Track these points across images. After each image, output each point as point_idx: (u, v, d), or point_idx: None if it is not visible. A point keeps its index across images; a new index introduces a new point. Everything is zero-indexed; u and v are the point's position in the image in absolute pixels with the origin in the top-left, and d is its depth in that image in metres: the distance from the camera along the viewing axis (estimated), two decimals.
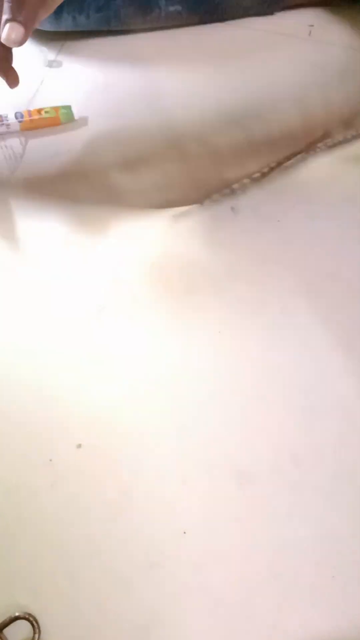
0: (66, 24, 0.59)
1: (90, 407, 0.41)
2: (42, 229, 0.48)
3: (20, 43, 0.41)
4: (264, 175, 0.48)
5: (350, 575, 0.35)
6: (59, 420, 0.40)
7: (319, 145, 0.49)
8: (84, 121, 0.56)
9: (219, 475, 0.38)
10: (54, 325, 0.44)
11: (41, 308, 0.45)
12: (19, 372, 0.42)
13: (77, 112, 0.56)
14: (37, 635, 0.32)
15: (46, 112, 0.55)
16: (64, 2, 0.51)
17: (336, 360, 0.43)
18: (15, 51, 0.54)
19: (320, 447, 0.39)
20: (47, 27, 0.59)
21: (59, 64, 0.60)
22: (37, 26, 0.42)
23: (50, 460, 0.38)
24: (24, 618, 0.33)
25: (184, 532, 0.36)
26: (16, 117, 0.54)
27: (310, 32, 0.63)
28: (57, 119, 0.55)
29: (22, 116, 0.54)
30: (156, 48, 0.61)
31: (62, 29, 0.59)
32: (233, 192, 0.48)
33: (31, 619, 0.33)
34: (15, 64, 0.51)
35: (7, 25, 0.40)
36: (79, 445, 0.39)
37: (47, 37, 0.60)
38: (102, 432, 0.40)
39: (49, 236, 0.48)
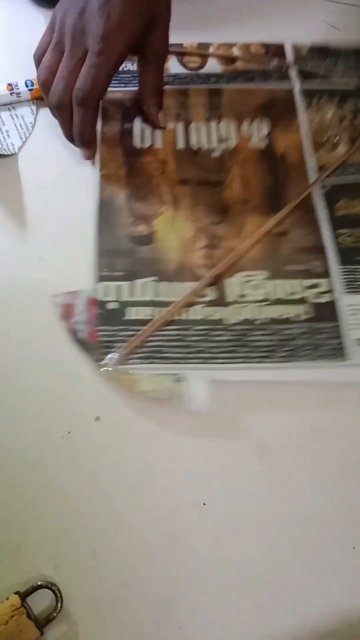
0: None
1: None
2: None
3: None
4: None
5: None
6: (77, 393, 0.40)
7: None
8: None
9: (240, 448, 0.38)
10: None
11: (56, 283, 0.43)
12: (35, 346, 0.41)
13: None
14: (59, 605, 0.33)
15: None
16: None
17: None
18: (23, 18, 0.55)
19: (341, 420, 0.39)
20: None
21: None
22: None
23: (69, 432, 0.38)
24: (47, 587, 0.33)
25: (204, 504, 0.36)
26: (26, 85, 0.52)
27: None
28: None
29: (32, 84, 0.52)
30: None
31: None
32: None
33: (54, 588, 0.33)
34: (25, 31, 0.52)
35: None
36: (97, 418, 0.39)
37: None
38: (120, 404, 0.39)
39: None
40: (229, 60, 0.57)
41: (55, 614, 0.33)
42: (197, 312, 0.43)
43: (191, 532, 0.36)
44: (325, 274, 0.44)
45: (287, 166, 0.49)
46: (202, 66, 0.56)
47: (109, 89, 0.47)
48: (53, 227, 0.47)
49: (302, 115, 0.53)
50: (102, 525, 0.36)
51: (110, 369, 0.40)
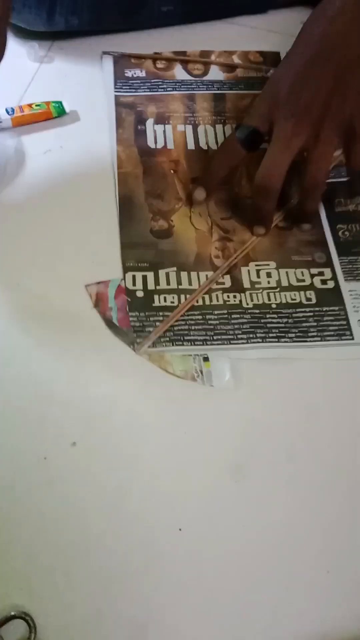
0: (59, 25, 0.58)
1: (84, 404, 0.41)
2: None
3: None
4: None
5: (345, 569, 0.37)
6: (53, 418, 0.40)
7: None
8: (75, 115, 0.57)
9: (215, 471, 0.39)
10: (47, 321, 0.45)
11: (35, 304, 0.45)
12: (12, 369, 0.42)
13: (68, 108, 0.56)
14: (33, 635, 0.32)
15: (37, 105, 0.55)
16: (56, 3, 0.50)
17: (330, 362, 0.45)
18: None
19: (316, 442, 0.41)
20: (40, 27, 0.59)
21: (51, 60, 0.60)
22: None
23: (45, 458, 0.38)
24: (20, 617, 0.33)
25: (180, 529, 0.37)
26: (7, 112, 0.54)
27: None
28: (49, 112, 0.55)
29: (13, 111, 0.54)
30: (147, 47, 0.62)
31: (55, 29, 0.59)
32: None
33: (27, 618, 0.33)
34: (5, 60, 0.51)
35: None
36: (74, 443, 0.39)
37: (39, 34, 0.60)
38: (97, 429, 0.40)
39: None
40: (230, 67, 0.61)
41: None
42: (217, 298, 0.47)
43: (166, 557, 0.36)
44: (328, 263, 0.50)
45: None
46: (205, 73, 0.61)
47: (122, 94, 0.53)
48: (80, 222, 0.50)
49: None
50: (77, 550, 0.36)
51: (144, 351, 0.44)
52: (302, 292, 0.48)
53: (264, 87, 0.47)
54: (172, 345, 0.44)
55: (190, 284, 0.47)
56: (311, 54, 0.46)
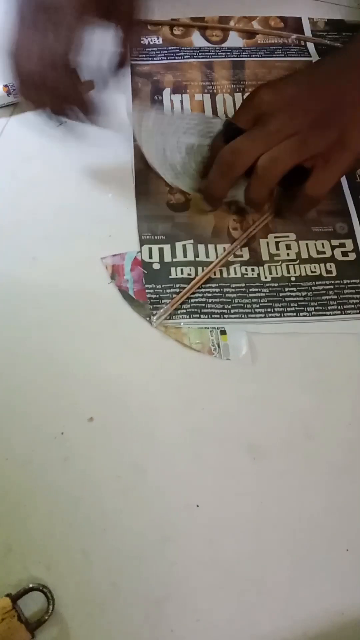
0: None
1: (101, 380, 0.41)
2: None
3: None
4: None
5: None
6: (70, 394, 0.40)
7: None
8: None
9: (232, 449, 0.39)
10: (63, 295, 0.44)
11: (51, 278, 0.45)
12: (29, 346, 0.42)
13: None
14: (51, 607, 0.33)
15: None
16: None
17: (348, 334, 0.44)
18: None
19: (334, 420, 0.40)
20: None
21: None
22: None
23: (62, 433, 0.38)
24: (38, 589, 0.33)
25: (197, 506, 0.37)
26: None
27: None
28: None
29: None
30: (164, 13, 0.60)
31: None
32: None
33: (45, 590, 0.33)
34: None
35: None
36: (91, 419, 0.39)
37: None
38: (114, 405, 0.40)
39: None
40: (250, 33, 0.59)
41: (46, 617, 0.32)
42: (235, 271, 0.46)
43: (183, 533, 0.36)
44: (350, 234, 0.48)
45: None
46: (224, 40, 0.59)
47: (138, 62, 0.51)
48: (96, 196, 0.50)
49: None
50: (93, 526, 0.36)
51: (160, 323, 0.43)
52: (322, 265, 0.47)
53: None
54: (189, 317, 0.44)
55: (207, 256, 0.46)
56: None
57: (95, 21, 0.40)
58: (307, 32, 0.60)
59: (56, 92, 0.40)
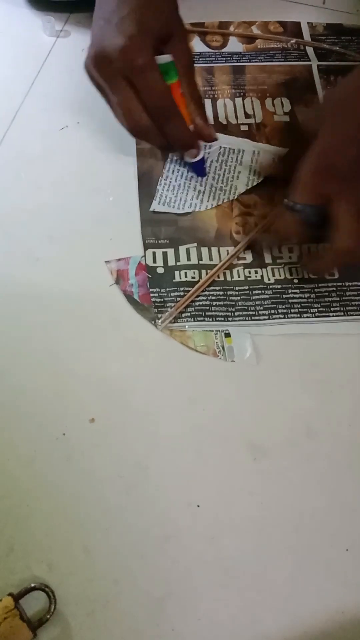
0: None
1: (103, 381, 0.41)
2: None
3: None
4: None
5: None
6: (72, 394, 0.40)
7: None
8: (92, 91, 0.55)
9: (234, 449, 0.39)
10: (66, 297, 0.45)
11: (54, 280, 0.45)
12: (32, 347, 0.42)
13: (87, 82, 0.54)
14: (52, 606, 0.33)
15: None
16: None
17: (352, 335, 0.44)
18: (20, 21, 0.53)
19: (335, 420, 0.40)
20: None
21: (67, 34, 0.59)
22: None
23: (64, 434, 0.39)
24: (40, 589, 0.33)
25: (198, 505, 0.37)
26: None
27: (324, 0, 0.63)
28: None
29: None
30: None
31: None
32: None
33: (47, 589, 0.33)
34: (21, 35, 0.49)
35: None
36: (92, 419, 0.39)
37: (55, 6, 0.59)
38: (116, 406, 0.40)
39: None
40: (250, 38, 0.60)
41: (48, 616, 0.32)
42: (239, 273, 0.47)
43: (184, 532, 0.36)
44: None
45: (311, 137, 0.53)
46: (224, 45, 0.60)
47: None
48: (99, 200, 0.50)
49: (321, 92, 0.56)
50: (95, 526, 0.36)
51: (165, 326, 0.44)
52: None
53: (310, 153, 0.42)
54: (194, 320, 0.44)
55: (211, 259, 0.47)
56: None
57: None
58: (307, 36, 0.60)
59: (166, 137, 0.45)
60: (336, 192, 0.40)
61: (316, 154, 0.41)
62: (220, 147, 0.52)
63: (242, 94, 0.56)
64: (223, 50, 0.59)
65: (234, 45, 0.59)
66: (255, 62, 0.58)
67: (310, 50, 0.59)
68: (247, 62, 0.58)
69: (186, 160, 0.49)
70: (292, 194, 0.41)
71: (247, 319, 0.44)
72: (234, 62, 0.58)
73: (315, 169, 0.41)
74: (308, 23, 0.61)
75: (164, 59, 0.42)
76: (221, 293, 0.45)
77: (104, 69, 0.42)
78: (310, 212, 0.41)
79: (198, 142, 0.47)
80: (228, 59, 0.58)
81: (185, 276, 0.46)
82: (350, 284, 0.45)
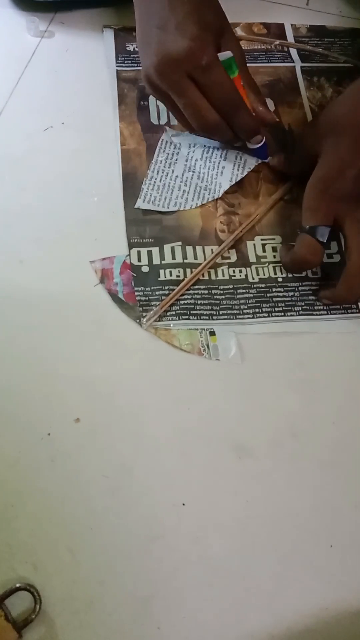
0: None
1: (88, 381, 0.41)
2: None
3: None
4: None
5: (349, 544, 0.37)
6: (57, 395, 0.40)
7: None
8: (76, 91, 0.56)
9: (219, 448, 0.39)
10: (50, 298, 0.45)
11: (38, 281, 0.45)
12: (16, 347, 0.42)
13: (72, 83, 0.55)
14: (38, 606, 0.33)
15: None
16: None
17: (335, 334, 0.45)
18: (4, 21, 0.53)
19: (319, 419, 0.41)
20: None
21: (51, 35, 0.59)
22: None
23: (49, 434, 0.38)
24: (25, 589, 0.33)
25: (183, 504, 0.37)
26: None
27: (307, 1, 0.63)
28: None
29: None
30: None
31: None
32: None
33: (32, 590, 0.33)
34: (5, 35, 0.49)
35: None
36: (77, 420, 0.39)
37: (39, 7, 0.59)
38: (101, 406, 0.40)
39: None
40: None
41: (33, 616, 0.32)
42: (223, 273, 0.47)
43: (170, 532, 0.36)
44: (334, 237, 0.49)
45: (294, 138, 0.53)
46: None
47: (124, 69, 0.52)
48: (83, 200, 0.50)
49: (305, 93, 0.57)
50: (81, 526, 0.36)
51: (150, 325, 0.44)
52: None
53: (313, 177, 0.44)
54: (178, 319, 0.44)
55: (195, 257, 0.47)
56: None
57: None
58: (290, 37, 0.61)
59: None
60: (343, 212, 0.43)
61: (319, 178, 0.44)
62: (204, 147, 0.52)
63: None
64: None
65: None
66: None
67: (293, 52, 0.60)
68: None
69: (251, 147, 0.50)
70: (303, 219, 0.44)
71: (231, 317, 0.44)
72: None
73: (320, 192, 0.43)
74: (292, 25, 0.62)
75: (226, 55, 0.44)
76: (206, 292, 0.45)
77: (170, 75, 0.43)
78: (320, 233, 0.43)
79: (261, 127, 0.48)
80: None
81: (170, 275, 0.46)
82: (333, 282, 0.45)
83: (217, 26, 0.44)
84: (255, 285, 0.46)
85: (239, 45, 0.47)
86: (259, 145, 0.49)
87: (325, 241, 0.43)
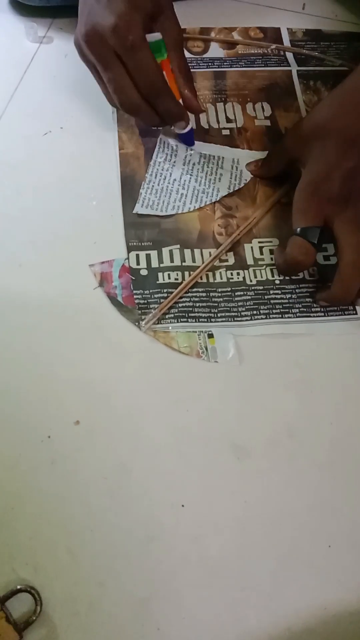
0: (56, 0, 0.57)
1: (87, 383, 0.41)
2: None
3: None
4: None
5: (347, 544, 0.37)
6: (57, 397, 0.40)
7: None
8: (74, 96, 0.56)
9: (217, 449, 0.39)
10: (49, 301, 0.45)
11: (37, 285, 0.45)
12: (15, 351, 0.42)
13: (70, 88, 0.56)
14: (38, 608, 0.33)
15: None
16: None
17: (332, 335, 0.45)
18: (3, 27, 0.53)
19: (316, 420, 0.41)
20: (37, 2, 0.58)
21: (50, 40, 0.59)
22: None
23: (49, 437, 0.39)
24: (26, 591, 0.34)
25: (183, 505, 0.37)
26: None
27: (303, 6, 0.63)
28: None
29: None
30: None
31: (52, 3, 0.58)
32: None
33: (33, 591, 0.34)
34: (4, 40, 0.49)
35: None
36: (77, 422, 0.39)
37: (37, 12, 0.60)
38: (100, 408, 0.40)
39: None
40: (230, 44, 0.61)
41: (34, 618, 0.33)
42: (221, 275, 0.47)
43: (169, 533, 0.36)
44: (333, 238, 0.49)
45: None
46: (205, 50, 0.61)
47: None
48: (81, 204, 0.50)
49: (301, 97, 0.57)
50: (80, 527, 0.36)
51: (149, 327, 0.44)
52: None
53: (301, 182, 0.45)
54: (177, 322, 0.44)
55: (193, 260, 0.47)
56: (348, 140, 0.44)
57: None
58: (286, 41, 0.61)
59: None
60: (332, 213, 0.43)
61: (307, 182, 0.44)
62: (201, 154, 0.52)
63: (223, 99, 0.57)
64: (204, 55, 0.60)
65: (215, 51, 0.60)
66: (236, 67, 0.59)
67: (290, 56, 0.60)
68: (228, 67, 0.59)
69: (176, 132, 0.50)
70: (293, 222, 0.44)
71: (229, 319, 0.45)
72: (215, 68, 0.59)
73: (308, 195, 0.44)
74: (288, 29, 0.62)
75: (154, 37, 0.44)
76: (204, 294, 0.46)
77: (96, 46, 0.43)
78: (311, 234, 0.43)
79: (187, 114, 0.49)
80: (209, 64, 0.59)
81: (169, 278, 0.46)
82: (330, 284, 0.46)
83: (150, 7, 0.44)
84: (253, 288, 0.46)
85: (176, 27, 0.46)
86: (185, 131, 0.50)
87: (316, 242, 0.43)
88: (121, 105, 0.46)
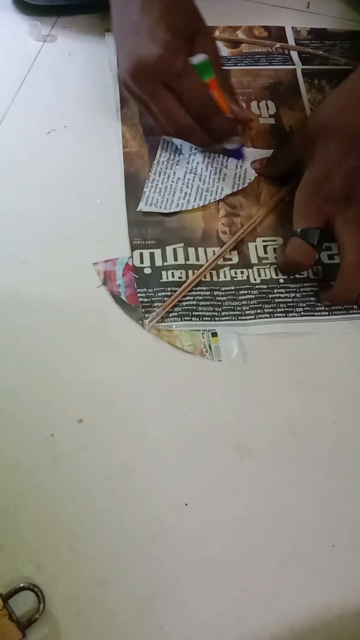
0: None
1: (90, 382, 0.41)
2: None
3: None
4: None
5: (350, 544, 0.37)
6: (60, 396, 0.40)
7: None
8: (79, 94, 0.56)
9: (220, 449, 0.39)
10: (52, 300, 0.45)
11: (40, 283, 0.45)
12: (19, 349, 0.42)
13: (74, 86, 0.56)
14: (41, 606, 0.33)
15: None
16: None
17: (336, 334, 0.45)
18: (7, 25, 0.53)
19: (319, 419, 0.41)
20: (41, 1, 0.58)
21: (54, 39, 0.59)
22: None
23: (52, 435, 0.39)
24: (29, 589, 0.34)
25: (186, 504, 0.37)
26: None
27: (308, 4, 0.63)
28: None
29: None
30: None
31: (57, 2, 0.58)
32: None
33: (36, 589, 0.34)
34: (7, 39, 0.49)
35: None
36: (80, 420, 0.39)
37: (41, 11, 0.60)
38: (103, 407, 0.40)
39: None
40: (235, 43, 0.61)
41: (37, 616, 0.33)
42: (225, 274, 0.47)
43: (171, 532, 0.36)
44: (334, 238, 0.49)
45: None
46: None
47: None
48: (85, 202, 0.50)
49: (305, 95, 0.57)
50: (83, 526, 0.36)
51: (152, 326, 0.44)
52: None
53: (303, 181, 0.45)
54: (181, 320, 0.44)
55: (197, 259, 0.47)
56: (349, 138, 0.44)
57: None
58: (291, 40, 0.61)
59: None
60: (333, 212, 0.43)
61: (308, 181, 0.44)
62: (205, 153, 0.52)
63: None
64: None
65: (220, 49, 0.60)
66: (241, 66, 0.59)
67: (294, 54, 0.60)
68: (233, 65, 0.59)
69: (228, 148, 0.50)
70: (293, 222, 0.44)
71: (233, 318, 0.45)
72: None
73: (309, 195, 0.44)
74: (292, 27, 0.62)
75: (199, 59, 0.44)
76: (208, 293, 0.46)
77: (144, 81, 0.43)
78: (310, 235, 0.43)
79: (239, 129, 0.49)
80: None
81: (172, 276, 0.46)
82: (333, 283, 0.46)
83: (189, 30, 0.44)
84: (257, 287, 0.46)
85: (213, 46, 0.47)
86: (238, 146, 0.50)
87: (315, 243, 0.43)
88: (175, 131, 0.46)
